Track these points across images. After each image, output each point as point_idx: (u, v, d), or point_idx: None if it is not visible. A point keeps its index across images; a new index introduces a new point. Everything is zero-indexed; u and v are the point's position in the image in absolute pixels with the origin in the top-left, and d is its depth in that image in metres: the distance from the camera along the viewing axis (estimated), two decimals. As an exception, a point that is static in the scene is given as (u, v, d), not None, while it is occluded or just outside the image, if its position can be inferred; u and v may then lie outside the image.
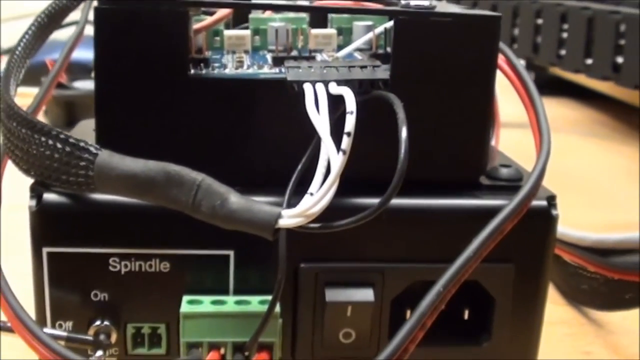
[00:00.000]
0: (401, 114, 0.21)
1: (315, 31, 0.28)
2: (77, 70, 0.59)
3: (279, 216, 0.20)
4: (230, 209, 0.20)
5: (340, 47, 0.29)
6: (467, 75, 0.25)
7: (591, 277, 0.35)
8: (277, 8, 0.27)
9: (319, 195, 0.20)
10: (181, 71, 0.24)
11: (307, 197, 0.20)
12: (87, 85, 0.58)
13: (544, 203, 0.25)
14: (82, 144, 0.22)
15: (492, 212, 0.24)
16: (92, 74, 0.64)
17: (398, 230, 0.25)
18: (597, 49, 0.59)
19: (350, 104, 0.20)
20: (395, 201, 0.24)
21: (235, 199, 0.20)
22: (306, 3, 0.29)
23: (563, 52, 0.63)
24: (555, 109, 0.78)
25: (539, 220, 0.25)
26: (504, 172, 0.27)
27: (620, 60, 0.56)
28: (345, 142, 0.20)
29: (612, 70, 0.57)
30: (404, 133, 0.20)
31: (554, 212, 0.25)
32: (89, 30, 0.33)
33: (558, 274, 0.37)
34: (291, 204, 0.22)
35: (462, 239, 0.24)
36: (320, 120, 0.21)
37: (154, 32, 0.23)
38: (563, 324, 0.36)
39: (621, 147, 0.66)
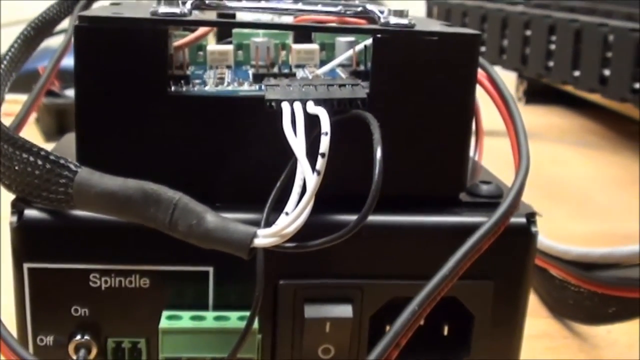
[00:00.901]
0: (376, 134, 0.21)
1: (297, 46, 0.29)
2: (69, 78, 0.59)
3: (255, 236, 0.20)
4: (207, 228, 0.20)
5: (322, 62, 0.29)
6: (446, 92, 0.25)
7: (576, 291, 0.35)
8: (259, 27, 0.27)
9: (294, 215, 0.20)
10: (161, 88, 0.24)
11: (282, 216, 0.21)
12: (78, 93, 0.58)
13: (523, 220, 0.25)
14: (62, 161, 0.23)
15: (471, 229, 0.24)
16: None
17: (377, 247, 0.25)
18: (584, 61, 0.59)
19: (325, 124, 0.20)
20: (374, 218, 0.24)
21: (211, 218, 0.21)
22: (289, 20, 0.29)
23: (551, 63, 0.63)
24: (545, 117, 0.78)
25: (518, 237, 0.25)
26: (484, 188, 0.27)
27: (607, 72, 0.56)
28: (320, 162, 0.20)
29: (599, 83, 0.57)
30: (378, 154, 0.21)
31: (533, 229, 0.25)
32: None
33: (543, 287, 0.38)
34: (269, 222, 0.22)
35: (441, 256, 0.24)
36: (296, 140, 0.21)
37: (134, 50, 0.23)
38: (546, 337, 0.36)
39: (611, 156, 0.67)
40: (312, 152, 0.21)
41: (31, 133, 0.26)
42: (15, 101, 0.67)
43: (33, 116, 0.58)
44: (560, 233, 0.33)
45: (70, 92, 0.58)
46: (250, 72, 0.28)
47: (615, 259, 0.33)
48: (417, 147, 0.25)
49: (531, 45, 0.65)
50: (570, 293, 0.36)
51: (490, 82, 0.27)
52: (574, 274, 0.34)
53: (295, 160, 0.22)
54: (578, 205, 0.54)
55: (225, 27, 0.29)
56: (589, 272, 0.34)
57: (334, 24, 0.26)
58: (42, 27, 0.34)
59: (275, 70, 0.27)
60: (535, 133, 0.26)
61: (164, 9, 0.24)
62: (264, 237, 0.20)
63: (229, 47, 0.28)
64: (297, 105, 0.22)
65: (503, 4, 0.69)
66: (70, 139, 0.30)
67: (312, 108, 0.22)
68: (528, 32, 0.65)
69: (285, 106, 0.22)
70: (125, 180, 0.22)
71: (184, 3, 0.25)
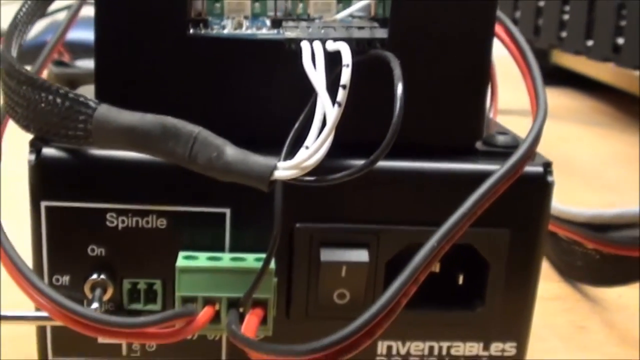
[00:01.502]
0: (397, 71, 0.21)
1: (315, -2, 0.28)
2: (79, 50, 0.60)
3: (275, 168, 0.20)
4: (226, 161, 0.20)
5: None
6: (465, 39, 0.25)
7: (586, 253, 0.35)
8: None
9: (314, 148, 0.20)
10: (180, 30, 0.24)
11: (302, 150, 0.21)
12: (88, 64, 0.58)
13: (539, 169, 0.25)
14: (81, 99, 0.23)
15: (487, 176, 0.24)
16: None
17: (393, 193, 0.25)
18: (597, 30, 0.59)
19: (346, 57, 0.20)
20: (390, 163, 0.24)
21: (231, 151, 0.21)
22: None
23: (564, 34, 0.63)
24: (556, 98, 0.78)
25: (534, 186, 0.25)
26: (501, 138, 0.27)
27: (620, 41, 0.56)
28: (341, 94, 0.20)
29: (612, 52, 0.57)
30: (399, 89, 0.21)
31: (549, 178, 0.25)
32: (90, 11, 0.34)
33: (553, 251, 0.38)
34: (287, 158, 0.22)
35: (457, 203, 0.24)
36: (317, 76, 0.21)
37: (154, -10, 0.23)
38: (558, 299, 0.36)
39: (621, 135, 0.67)
40: (333, 90, 0.21)
41: None
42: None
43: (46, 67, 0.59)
44: (573, 203, 0.33)
45: (81, 63, 0.58)
46: (268, 21, 0.28)
47: (628, 219, 0.33)
48: (434, 93, 0.25)
49: (544, 16, 0.64)
50: (580, 255, 0.36)
51: (506, 32, 0.27)
52: (586, 236, 0.34)
53: (315, 97, 0.22)
54: (588, 179, 0.54)
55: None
56: (601, 233, 0.34)
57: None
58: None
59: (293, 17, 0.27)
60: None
61: (183, -51, 0.24)
62: (284, 170, 0.20)
63: (247, -2, 0.28)
64: (317, 44, 0.22)
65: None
66: (85, 89, 0.30)
67: (332, 45, 0.22)
68: (541, 3, 0.65)
69: (304, 45, 0.22)
70: (144, 115, 0.22)
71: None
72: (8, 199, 0.31)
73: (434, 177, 0.25)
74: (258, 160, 0.20)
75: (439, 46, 0.25)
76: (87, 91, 0.29)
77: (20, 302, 0.23)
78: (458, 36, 0.25)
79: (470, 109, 0.26)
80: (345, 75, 0.20)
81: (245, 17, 0.28)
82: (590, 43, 0.59)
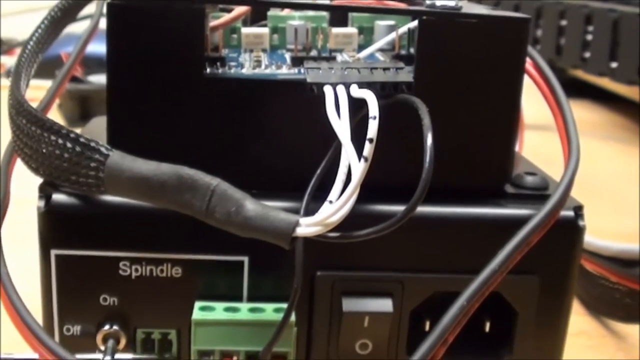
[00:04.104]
0: (426, 120, 0.20)
1: (335, 30, 0.27)
2: (92, 64, 0.59)
3: (297, 224, 0.19)
4: (246, 216, 0.19)
5: (361, 47, 0.28)
6: (494, 79, 0.24)
7: (614, 288, 0.34)
8: (296, 6, 0.26)
9: (339, 204, 0.19)
10: (197, 70, 0.23)
11: (326, 204, 0.19)
12: (102, 79, 0.57)
13: (570, 213, 0.24)
14: (92, 144, 0.22)
15: (517, 222, 0.23)
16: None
17: (419, 239, 0.24)
18: (622, 52, 0.57)
19: (373, 108, 0.19)
20: (417, 209, 0.23)
21: (251, 206, 0.20)
22: (327, 1, 0.28)
23: (587, 54, 0.61)
24: (575, 111, 0.76)
25: (565, 231, 0.24)
26: (529, 180, 0.26)
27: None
28: (368, 148, 0.19)
29: (638, 74, 0.55)
30: (429, 140, 0.20)
31: (580, 222, 0.24)
32: (104, 23, 0.33)
33: (580, 283, 0.37)
34: (309, 211, 0.21)
35: (485, 250, 0.23)
36: (341, 125, 0.20)
37: (169, 30, 0.22)
38: (583, 335, 0.35)
39: (641, 151, 0.65)
40: (356, 137, 0.20)
41: (53, 119, 0.25)
42: (39, 87, 0.66)
43: (55, 102, 0.58)
44: (591, 229, 0.32)
45: (94, 78, 0.57)
46: (287, 55, 0.27)
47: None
48: (462, 136, 0.24)
49: (566, 36, 0.63)
50: (609, 290, 0.35)
51: (537, 70, 0.26)
52: (612, 270, 0.33)
53: (338, 146, 0.21)
54: (609, 201, 0.53)
55: (263, 8, 0.28)
56: (629, 268, 0.33)
57: (379, 6, 0.25)
58: (69, 9, 0.33)
59: (314, 54, 0.26)
60: (554, 126, 0.26)
61: (200, -14, 0.23)
62: (307, 226, 0.19)
63: (265, 30, 0.27)
64: (340, 89, 0.21)
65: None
66: (98, 123, 0.29)
67: (356, 91, 0.21)
68: (563, 22, 0.64)
69: (327, 90, 0.21)
70: (159, 165, 0.21)
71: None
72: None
73: (461, 222, 0.24)
74: (279, 215, 0.19)
75: (467, 87, 0.24)
76: (100, 124, 0.28)
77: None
78: (486, 76, 0.24)
79: (499, 151, 0.25)
80: (373, 129, 0.19)
81: (263, 50, 0.27)
82: (614, 65, 0.58)
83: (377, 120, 0.19)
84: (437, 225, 0.24)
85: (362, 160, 0.19)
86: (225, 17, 0.25)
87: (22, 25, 0.86)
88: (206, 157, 0.23)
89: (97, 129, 0.28)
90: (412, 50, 0.26)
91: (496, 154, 0.25)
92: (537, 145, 0.31)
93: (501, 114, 0.24)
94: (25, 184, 0.25)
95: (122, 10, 0.22)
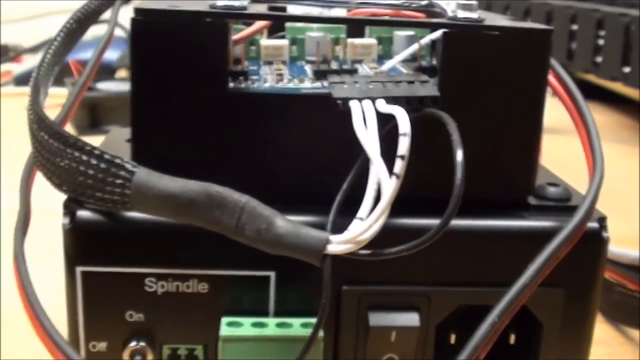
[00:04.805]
0: (456, 136, 0.20)
1: (354, 41, 0.27)
2: (100, 70, 0.59)
3: (328, 242, 0.19)
4: (277, 234, 0.19)
5: (380, 57, 0.28)
6: (517, 91, 0.24)
7: (631, 295, 0.34)
8: (318, 21, 0.25)
9: (369, 221, 0.19)
10: (220, 85, 0.23)
11: (356, 222, 0.19)
12: (110, 86, 0.57)
13: (595, 225, 0.24)
14: (117, 161, 0.21)
15: (542, 234, 0.23)
16: (116, 75, 0.64)
17: (445, 252, 0.24)
18: (634, 56, 0.57)
19: (404, 125, 0.19)
20: (438, 221, 0.23)
21: (281, 223, 0.19)
22: (344, 13, 0.28)
23: (599, 59, 0.61)
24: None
25: (589, 243, 0.24)
26: (552, 191, 0.25)
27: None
28: (399, 166, 0.19)
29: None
30: (459, 156, 0.19)
31: (604, 234, 0.24)
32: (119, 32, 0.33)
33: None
34: (335, 226, 0.21)
35: (510, 262, 0.23)
36: (370, 141, 0.20)
37: (193, 45, 0.22)
38: (601, 343, 0.35)
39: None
40: (383, 149, 0.20)
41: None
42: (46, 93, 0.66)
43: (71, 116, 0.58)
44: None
45: (102, 85, 0.57)
46: (307, 67, 0.27)
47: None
48: (486, 148, 0.24)
49: (577, 40, 0.63)
50: (626, 298, 0.35)
51: (559, 81, 0.26)
52: (631, 278, 0.33)
53: (364, 160, 0.21)
54: (614, 202, 0.52)
55: (283, 22, 0.28)
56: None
57: (403, 19, 0.25)
58: (84, 19, 0.32)
59: (335, 66, 0.26)
60: (570, 129, 0.25)
61: (222, 2, 0.23)
62: (338, 244, 0.19)
63: (284, 42, 0.27)
64: (367, 104, 0.21)
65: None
66: (117, 134, 0.29)
67: (384, 107, 0.21)
68: (574, 27, 0.63)
69: (354, 105, 0.21)
70: (187, 182, 0.20)
71: (245, -6, 0.24)
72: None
73: (486, 235, 0.24)
74: (310, 233, 0.19)
75: (490, 99, 0.24)
76: (120, 136, 0.28)
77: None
78: (509, 88, 0.24)
79: (523, 163, 0.25)
80: (404, 146, 0.19)
81: (283, 62, 0.27)
82: (627, 69, 0.58)
83: (408, 137, 0.19)
84: (462, 238, 0.24)
85: (394, 177, 0.19)
86: (247, 30, 0.25)
87: (27, 32, 0.86)
88: (231, 171, 0.23)
89: (116, 142, 0.28)
90: (433, 61, 0.26)
91: (520, 165, 0.24)
92: (547, 149, 0.31)
93: (525, 125, 0.24)
94: (44, 193, 0.24)
95: (146, 26, 0.22)
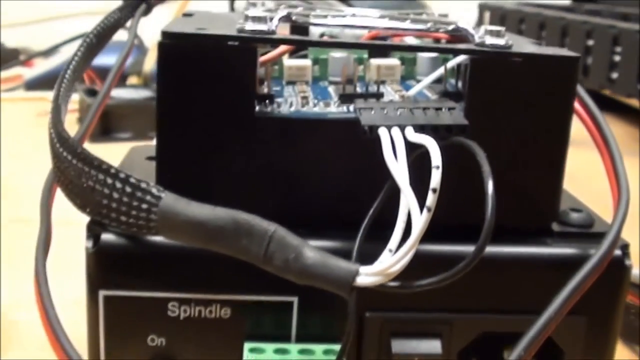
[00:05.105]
0: (486, 167, 0.20)
1: (378, 62, 0.27)
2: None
3: (357, 274, 0.19)
4: (305, 264, 0.19)
5: (403, 78, 0.28)
6: (543, 117, 0.24)
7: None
8: (345, 46, 0.25)
9: (400, 255, 0.19)
10: (248, 110, 0.23)
11: (386, 253, 0.19)
12: (122, 93, 0.57)
13: (618, 252, 0.24)
14: (143, 185, 0.21)
15: (565, 261, 0.23)
16: (127, 81, 0.63)
17: (468, 279, 0.23)
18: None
19: (436, 157, 0.19)
20: (465, 248, 0.23)
21: (310, 253, 0.19)
22: (365, 38, 0.27)
23: (615, 75, 0.61)
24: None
25: (613, 271, 0.24)
26: (575, 217, 0.25)
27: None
28: (431, 199, 0.19)
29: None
30: (490, 188, 0.19)
31: (627, 262, 0.24)
32: (122, 35, 0.32)
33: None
34: (362, 253, 0.21)
35: (533, 290, 0.23)
36: (399, 170, 0.20)
37: (221, 69, 0.22)
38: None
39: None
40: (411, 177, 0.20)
41: (74, 134, 0.26)
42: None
43: (75, 116, 0.57)
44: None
45: (114, 92, 0.57)
46: (331, 89, 0.27)
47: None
48: (511, 174, 0.24)
49: (593, 56, 0.63)
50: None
51: (584, 108, 0.25)
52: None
53: (391, 186, 0.20)
54: (628, 219, 0.52)
55: (310, 46, 0.28)
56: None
57: (430, 44, 0.25)
58: (103, 34, 0.32)
59: (359, 87, 0.26)
60: (577, 140, 0.25)
61: (251, 25, 0.23)
62: (367, 276, 0.19)
63: (307, 63, 0.27)
64: (396, 132, 0.21)
65: (562, 11, 0.67)
66: (137, 152, 0.29)
67: (414, 136, 0.21)
68: (590, 42, 0.63)
69: (383, 132, 0.21)
70: (214, 209, 0.20)
71: (271, 19, 0.23)
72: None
73: (509, 262, 0.24)
74: (339, 264, 0.19)
75: (516, 125, 0.24)
76: (140, 154, 0.28)
77: None
78: (536, 115, 0.24)
79: (547, 189, 0.24)
80: (436, 179, 0.19)
81: (306, 82, 0.27)
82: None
83: (440, 170, 0.19)
84: (486, 266, 0.23)
85: (425, 210, 0.19)
86: (273, 52, 0.25)
87: (38, 34, 0.86)
88: (257, 196, 0.23)
89: (137, 160, 0.28)
90: (459, 84, 0.26)
91: (545, 192, 0.24)
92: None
93: (550, 152, 0.24)
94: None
95: (174, 49, 0.22)
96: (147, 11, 0.35)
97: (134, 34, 0.33)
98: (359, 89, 0.25)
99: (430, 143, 0.20)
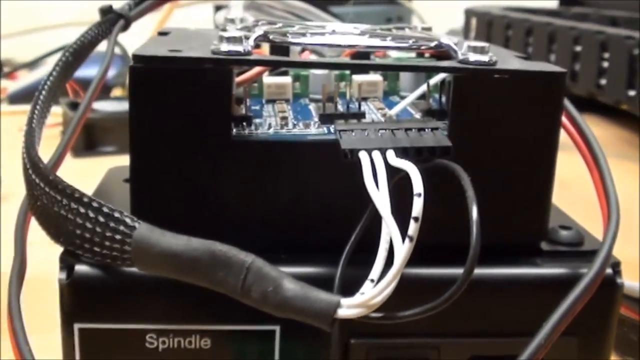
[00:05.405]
0: (470, 192, 0.19)
1: (359, 78, 0.27)
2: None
3: (338, 306, 0.18)
4: (285, 296, 0.19)
5: (386, 93, 0.28)
6: (530, 134, 0.23)
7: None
8: (324, 67, 0.25)
9: (382, 286, 0.18)
10: (224, 133, 0.22)
11: (368, 284, 0.19)
12: (106, 106, 0.56)
13: (609, 271, 0.23)
14: (116, 215, 0.21)
15: (555, 282, 0.23)
16: (111, 94, 0.62)
17: (455, 303, 0.23)
18: (640, 80, 0.56)
19: (418, 184, 0.18)
20: (452, 271, 0.22)
21: (289, 285, 0.19)
22: (346, 58, 0.27)
23: (603, 81, 0.60)
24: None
25: (604, 290, 0.23)
26: (565, 234, 0.25)
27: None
28: (413, 228, 0.18)
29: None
30: (474, 213, 0.19)
31: (618, 280, 0.24)
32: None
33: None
34: (345, 281, 0.20)
35: (522, 312, 0.23)
36: (380, 197, 0.19)
37: (196, 92, 0.22)
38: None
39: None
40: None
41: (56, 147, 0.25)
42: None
43: (59, 129, 0.57)
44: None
45: (98, 105, 0.56)
46: (312, 107, 0.26)
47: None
48: (498, 193, 0.23)
49: (581, 62, 0.62)
50: (635, 330, 0.34)
51: (571, 122, 0.25)
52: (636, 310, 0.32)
53: (373, 211, 0.20)
54: (626, 229, 0.52)
55: (289, 67, 0.27)
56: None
57: (412, 63, 0.24)
58: (79, 52, 0.32)
59: (340, 104, 0.25)
60: (567, 143, 0.25)
61: (226, 46, 0.22)
62: (348, 308, 0.18)
63: (287, 80, 0.26)
64: (377, 156, 0.20)
65: (551, 17, 0.66)
66: (115, 174, 0.28)
67: (395, 160, 0.20)
68: (578, 48, 0.63)
69: (363, 156, 0.20)
70: (190, 239, 0.20)
71: (247, 38, 0.23)
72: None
73: (497, 284, 0.23)
74: (320, 296, 0.19)
75: (502, 143, 0.23)
76: (117, 176, 0.27)
77: None
78: (522, 132, 0.23)
79: (535, 208, 0.24)
80: (418, 207, 0.18)
81: (286, 100, 0.26)
82: (632, 93, 0.57)
83: (422, 198, 0.18)
84: (473, 288, 0.23)
85: (407, 240, 0.18)
86: (250, 72, 0.24)
87: (21, 46, 0.85)
88: (234, 221, 0.22)
89: (115, 183, 0.27)
90: (442, 100, 0.25)
91: (533, 210, 0.24)
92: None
93: (538, 169, 0.23)
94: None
95: (146, 74, 0.21)
96: (125, 27, 0.34)
97: (111, 51, 0.33)
98: (340, 107, 0.25)
99: (411, 169, 0.19)
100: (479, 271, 0.23)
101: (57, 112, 0.56)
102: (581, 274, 0.22)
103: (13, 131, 0.58)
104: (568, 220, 0.26)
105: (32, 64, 0.73)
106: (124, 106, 0.58)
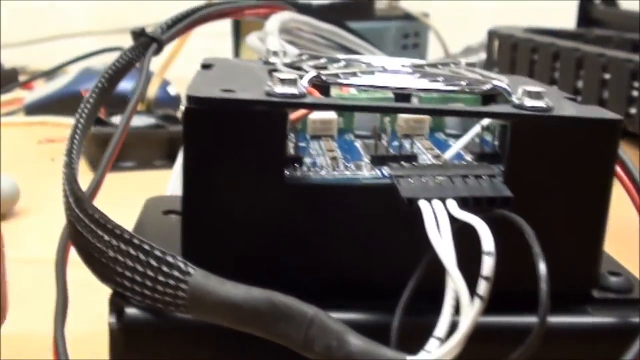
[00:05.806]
0: (537, 249, 0.19)
1: (406, 115, 0.26)
2: (114, 102, 0.57)
3: (405, 363, 0.18)
4: (350, 351, 0.18)
5: (431, 129, 0.27)
6: (584, 182, 0.23)
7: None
8: (375, 110, 0.24)
9: (450, 346, 0.18)
10: (278, 177, 0.22)
11: (433, 342, 0.18)
12: (124, 121, 0.55)
13: None
14: (169, 259, 0.20)
15: (606, 331, 0.23)
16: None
17: (502, 350, 0.22)
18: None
19: (488, 243, 0.18)
20: (501, 319, 0.22)
21: (355, 341, 0.18)
22: (392, 102, 0.26)
23: (633, 110, 0.59)
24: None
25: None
26: (614, 281, 0.24)
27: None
28: (483, 287, 0.18)
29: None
30: (542, 271, 0.18)
31: None
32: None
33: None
34: (402, 333, 0.20)
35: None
36: (445, 249, 0.19)
37: (250, 134, 0.21)
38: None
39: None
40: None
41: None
42: (59, 124, 0.64)
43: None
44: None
45: (118, 120, 0.55)
46: (358, 144, 0.26)
47: None
48: (551, 239, 0.23)
49: (609, 90, 0.61)
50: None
51: (625, 172, 0.24)
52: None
53: (429, 259, 0.19)
54: (626, 248, 0.51)
55: (343, 110, 0.27)
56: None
57: (468, 109, 0.24)
58: (115, 77, 0.31)
59: (388, 146, 0.25)
60: None
61: (281, 88, 0.22)
62: (414, 366, 0.18)
63: (333, 116, 0.26)
64: (438, 205, 0.20)
65: (575, 41, 0.65)
66: (153, 205, 0.28)
67: (459, 212, 0.19)
68: (606, 76, 0.62)
69: (424, 206, 0.20)
70: (249, 289, 0.19)
71: (300, 77, 0.22)
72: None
73: (550, 332, 0.23)
74: (386, 353, 0.18)
75: (556, 190, 0.23)
76: (157, 207, 0.27)
77: None
78: (577, 179, 0.23)
79: (588, 255, 0.23)
80: (488, 266, 0.18)
81: (331, 137, 0.26)
82: (632, 110, 0.56)
83: (493, 257, 0.18)
84: (521, 336, 0.22)
85: (477, 300, 0.18)
86: (301, 110, 0.24)
87: (36, 54, 0.85)
88: (288, 265, 0.22)
89: (154, 216, 0.27)
90: (494, 142, 0.25)
91: (585, 258, 0.23)
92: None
93: (591, 217, 0.23)
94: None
95: (201, 115, 0.21)
96: (158, 50, 0.34)
97: (145, 75, 0.32)
98: (388, 146, 0.24)
99: (479, 225, 0.19)
100: (528, 319, 0.22)
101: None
102: (633, 323, 0.22)
103: (31, 143, 0.58)
104: (617, 265, 0.26)
105: (48, 73, 0.72)
106: (144, 121, 0.58)
